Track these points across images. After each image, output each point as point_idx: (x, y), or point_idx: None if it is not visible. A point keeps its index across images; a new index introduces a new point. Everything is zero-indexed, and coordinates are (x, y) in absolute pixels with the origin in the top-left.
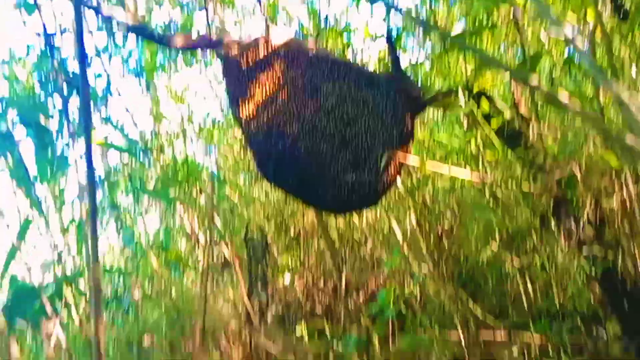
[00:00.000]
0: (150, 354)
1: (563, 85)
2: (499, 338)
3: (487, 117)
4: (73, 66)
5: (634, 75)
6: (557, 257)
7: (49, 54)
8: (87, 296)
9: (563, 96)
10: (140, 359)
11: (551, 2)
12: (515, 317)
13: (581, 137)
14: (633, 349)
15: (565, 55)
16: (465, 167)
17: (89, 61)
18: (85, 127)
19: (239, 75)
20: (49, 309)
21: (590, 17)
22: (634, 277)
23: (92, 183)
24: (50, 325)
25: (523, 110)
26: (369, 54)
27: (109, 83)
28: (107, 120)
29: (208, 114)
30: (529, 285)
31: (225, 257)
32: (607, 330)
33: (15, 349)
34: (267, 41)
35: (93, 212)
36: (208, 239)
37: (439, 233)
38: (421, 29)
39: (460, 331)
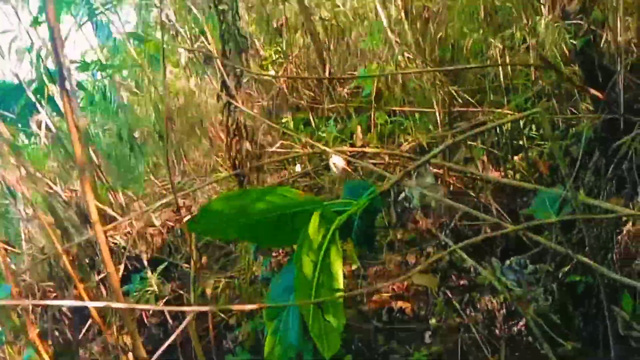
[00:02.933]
0: (142, 144)
1: None
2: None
3: None
4: None
5: None
6: (539, 28)
7: None
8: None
9: None
10: (133, 149)
11: None
12: (493, 96)
13: None
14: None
15: None
16: None
17: None
18: None
19: None
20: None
21: None
22: (613, 52)
23: None
24: (39, 118)
25: None
26: None
27: None
28: None
29: None
30: (509, 68)
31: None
32: (580, 109)
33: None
34: None
35: None
36: (188, 32)
37: (426, 17)
38: None
39: (437, 108)
